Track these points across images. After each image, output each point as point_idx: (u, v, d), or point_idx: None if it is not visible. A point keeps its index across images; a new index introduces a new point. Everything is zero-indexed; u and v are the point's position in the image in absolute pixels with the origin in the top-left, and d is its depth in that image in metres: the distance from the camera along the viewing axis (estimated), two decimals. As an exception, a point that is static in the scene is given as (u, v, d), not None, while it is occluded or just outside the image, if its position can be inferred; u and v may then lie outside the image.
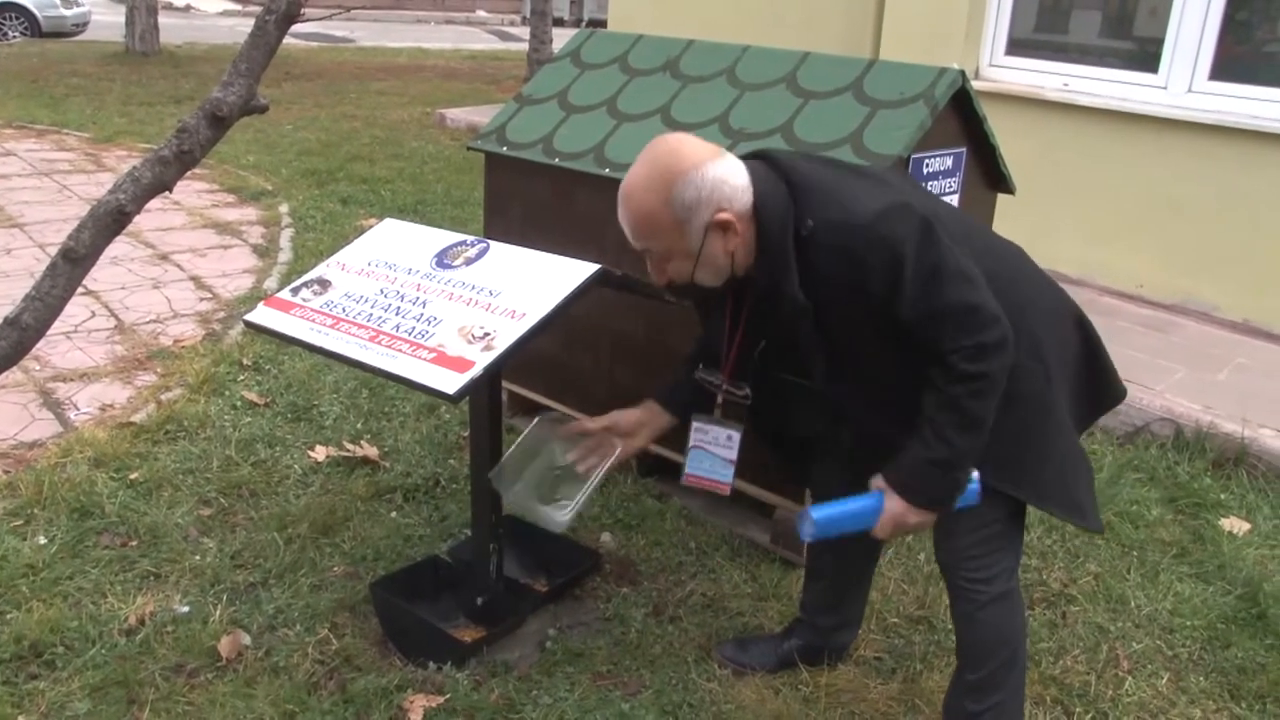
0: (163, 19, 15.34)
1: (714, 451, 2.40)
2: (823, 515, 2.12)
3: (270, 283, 5.51)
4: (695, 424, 2.41)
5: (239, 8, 28.37)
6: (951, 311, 1.95)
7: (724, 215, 2.02)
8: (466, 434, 3.68)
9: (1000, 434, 2.05)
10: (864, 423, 2.29)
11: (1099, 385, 2.33)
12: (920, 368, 2.03)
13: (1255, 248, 5.12)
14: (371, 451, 3.76)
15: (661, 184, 2.03)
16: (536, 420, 2.55)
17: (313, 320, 2.58)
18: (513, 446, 2.54)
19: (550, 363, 3.72)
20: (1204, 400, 4.24)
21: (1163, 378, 4.46)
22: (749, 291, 2.24)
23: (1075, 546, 3.43)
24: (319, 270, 2.81)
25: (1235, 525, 3.60)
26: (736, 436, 2.35)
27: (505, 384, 3.85)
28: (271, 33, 2.18)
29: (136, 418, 3.91)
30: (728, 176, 2.03)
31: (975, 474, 2.07)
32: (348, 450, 3.76)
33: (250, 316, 2.73)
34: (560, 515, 2.42)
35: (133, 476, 3.50)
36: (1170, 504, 3.73)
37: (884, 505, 2.10)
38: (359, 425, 3.99)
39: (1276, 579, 3.27)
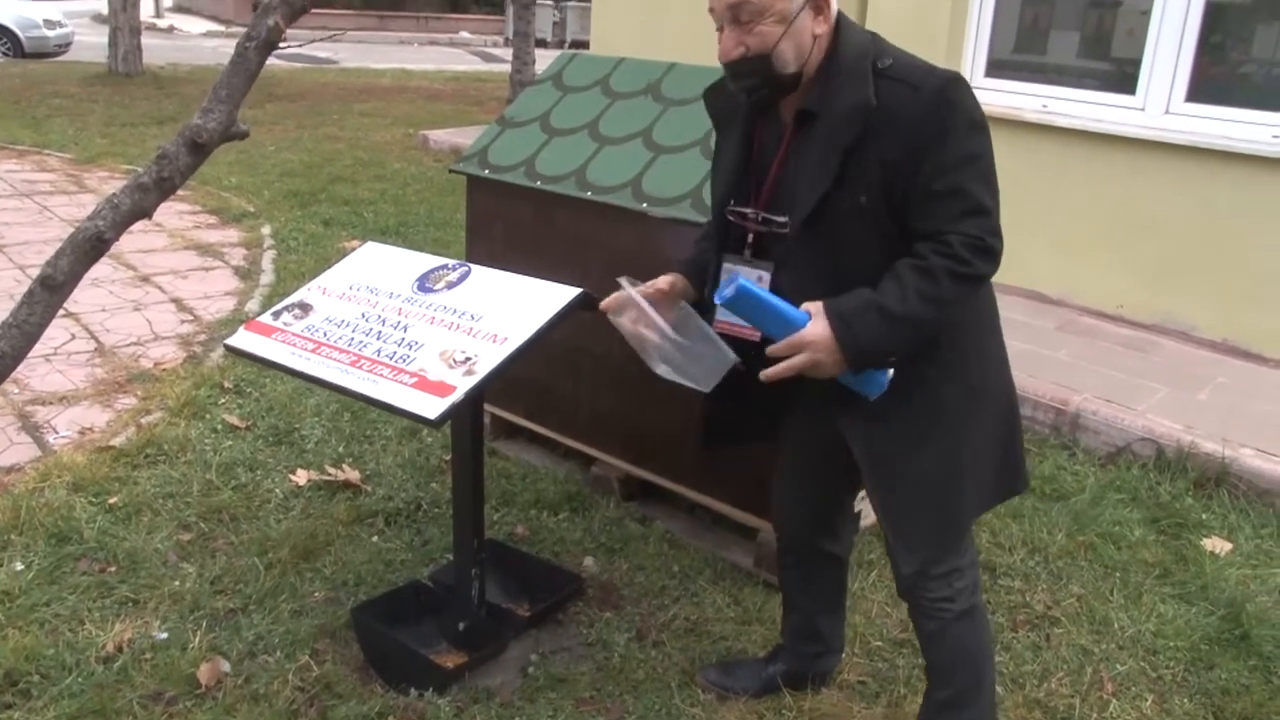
0: (146, 39, 15.33)
1: None
2: (748, 290, 1.98)
3: (252, 305, 5.49)
4: (725, 265, 2.24)
5: (222, 29, 28.38)
6: (970, 201, 1.95)
7: None
8: (449, 457, 3.66)
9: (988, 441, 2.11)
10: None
11: (1015, 464, 2.32)
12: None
13: (1234, 267, 5.16)
14: (353, 475, 3.74)
15: None
16: (625, 285, 2.27)
17: (294, 345, 2.57)
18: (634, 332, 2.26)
19: (532, 385, 3.72)
20: (1185, 420, 4.26)
21: (1144, 398, 4.47)
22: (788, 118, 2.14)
23: (1058, 568, 3.43)
24: (300, 294, 2.80)
25: (1217, 545, 3.61)
26: (767, 277, 2.16)
27: (487, 407, 3.84)
28: (252, 59, 2.17)
29: (116, 441, 3.88)
30: None
31: (890, 372, 2.03)
32: (329, 474, 3.74)
33: (231, 341, 2.72)
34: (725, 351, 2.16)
35: (112, 501, 3.47)
36: (1152, 524, 3.74)
37: (805, 327, 1.98)
38: (341, 448, 3.97)
39: (1259, 599, 3.28)
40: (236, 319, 5.25)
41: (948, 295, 1.95)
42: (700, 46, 7.41)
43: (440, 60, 22.06)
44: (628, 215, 3.24)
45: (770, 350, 2.01)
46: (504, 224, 3.69)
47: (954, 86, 1.96)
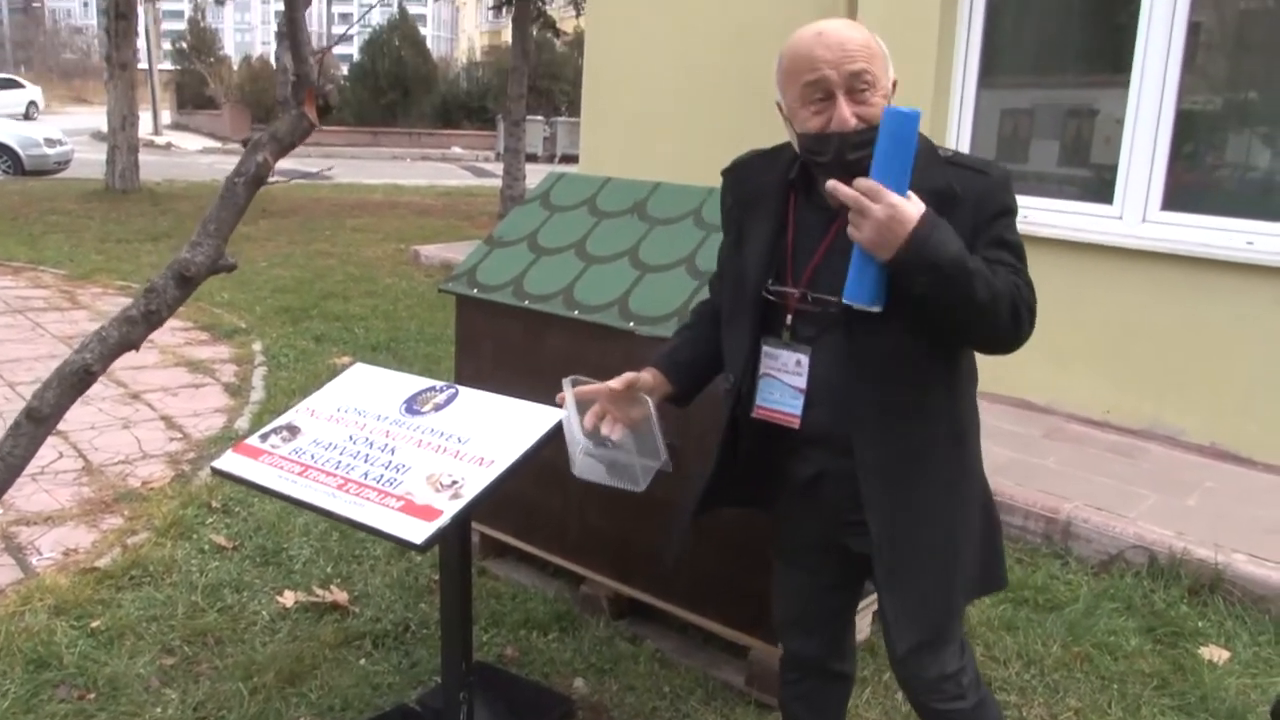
0: (144, 156, 15.61)
1: (784, 379, 2.17)
2: (912, 127, 1.91)
3: (242, 422, 5.49)
4: (765, 349, 2.18)
5: (219, 145, 28.90)
6: (1023, 277, 2.06)
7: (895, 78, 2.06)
8: (438, 577, 3.63)
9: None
10: (864, 431, 2.11)
11: (995, 560, 2.32)
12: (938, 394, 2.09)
13: (1218, 372, 5.20)
14: (341, 596, 3.70)
15: (864, 28, 2.05)
16: (565, 387, 2.31)
17: (281, 467, 2.58)
18: (561, 424, 2.31)
19: (520, 503, 3.71)
20: (1176, 526, 4.25)
21: (1134, 504, 4.47)
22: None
23: (1054, 681, 3.39)
24: (288, 416, 2.81)
25: (1215, 654, 3.57)
26: (805, 360, 2.12)
27: (476, 525, 3.83)
28: (241, 194, 2.23)
29: (101, 563, 3.85)
30: None
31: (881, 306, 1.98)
32: (317, 595, 3.70)
33: (218, 463, 2.72)
34: (653, 460, 2.22)
35: (94, 625, 3.43)
36: (1148, 633, 3.71)
37: (904, 195, 1.90)
38: (329, 569, 3.94)
39: (1260, 709, 3.23)
40: (226, 436, 5.25)
41: (1002, 307, 1.98)
42: (686, 165, 7.60)
43: (432, 175, 22.44)
44: (615, 334, 3.27)
45: (858, 181, 1.91)
46: (493, 343, 3.72)
47: (1011, 178, 2.06)
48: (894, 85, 2.05)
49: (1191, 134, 5.55)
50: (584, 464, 2.23)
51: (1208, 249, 5.20)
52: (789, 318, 2.14)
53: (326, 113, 2.25)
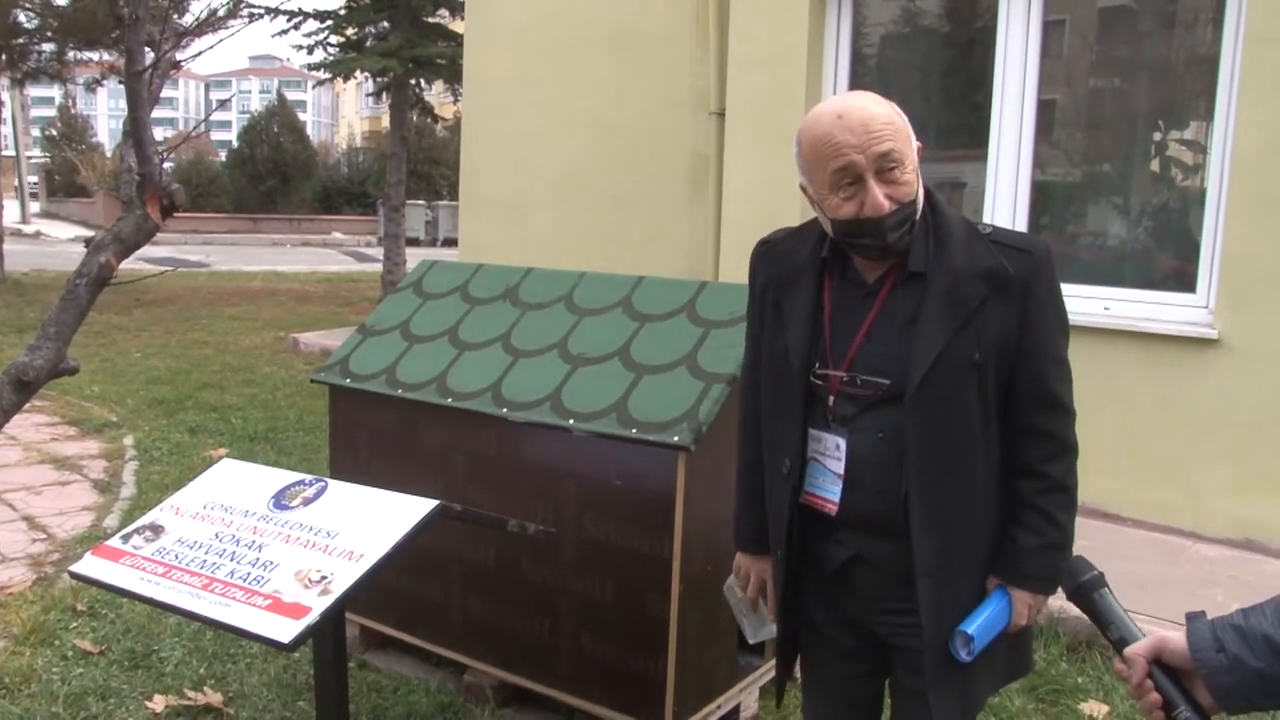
0: (11, 245, 15.17)
1: (826, 464, 2.12)
2: (975, 628, 2.03)
3: (111, 520, 5.31)
4: (811, 433, 2.13)
5: (90, 234, 28.11)
6: (1066, 368, 2.07)
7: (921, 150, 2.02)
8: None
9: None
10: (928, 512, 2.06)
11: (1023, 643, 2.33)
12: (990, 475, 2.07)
13: (1083, 433, 5.34)
14: (215, 698, 3.58)
15: (883, 99, 2.00)
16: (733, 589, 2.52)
17: (143, 569, 2.51)
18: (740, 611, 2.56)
19: (400, 594, 3.65)
20: (1047, 589, 4.37)
21: (1006, 570, 4.58)
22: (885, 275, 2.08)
23: (934, 749, 3.44)
24: (152, 515, 2.74)
25: (1095, 709, 3.66)
26: (843, 444, 2.08)
27: (355, 618, 3.76)
28: (83, 296, 2.19)
29: (-47, 678, 3.66)
30: None
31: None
32: (189, 698, 3.57)
33: (76, 567, 2.63)
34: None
35: (-55, 745, 3.25)
36: (1030, 692, 3.79)
37: (1012, 599, 2.08)
38: (202, 669, 3.80)
39: (1136, 766, 3.33)
40: (93, 535, 5.06)
41: (1075, 490, 2.09)
42: (561, 249, 7.66)
43: (313, 261, 22.20)
44: (488, 420, 3.28)
45: (1015, 626, 2.09)
46: (367, 433, 3.69)
47: (1051, 250, 2.06)
48: (919, 151, 2.02)
49: (1048, 205, 5.83)
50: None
51: (1071, 316, 5.43)
52: (831, 400, 2.09)
53: (172, 212, 2.23)
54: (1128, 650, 1.52)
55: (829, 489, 2.10)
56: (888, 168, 1.92)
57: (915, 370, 1.97)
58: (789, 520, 2.15)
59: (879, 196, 1.92)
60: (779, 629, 2.30)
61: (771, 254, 2.22)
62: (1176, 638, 1.46)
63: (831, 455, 2.09)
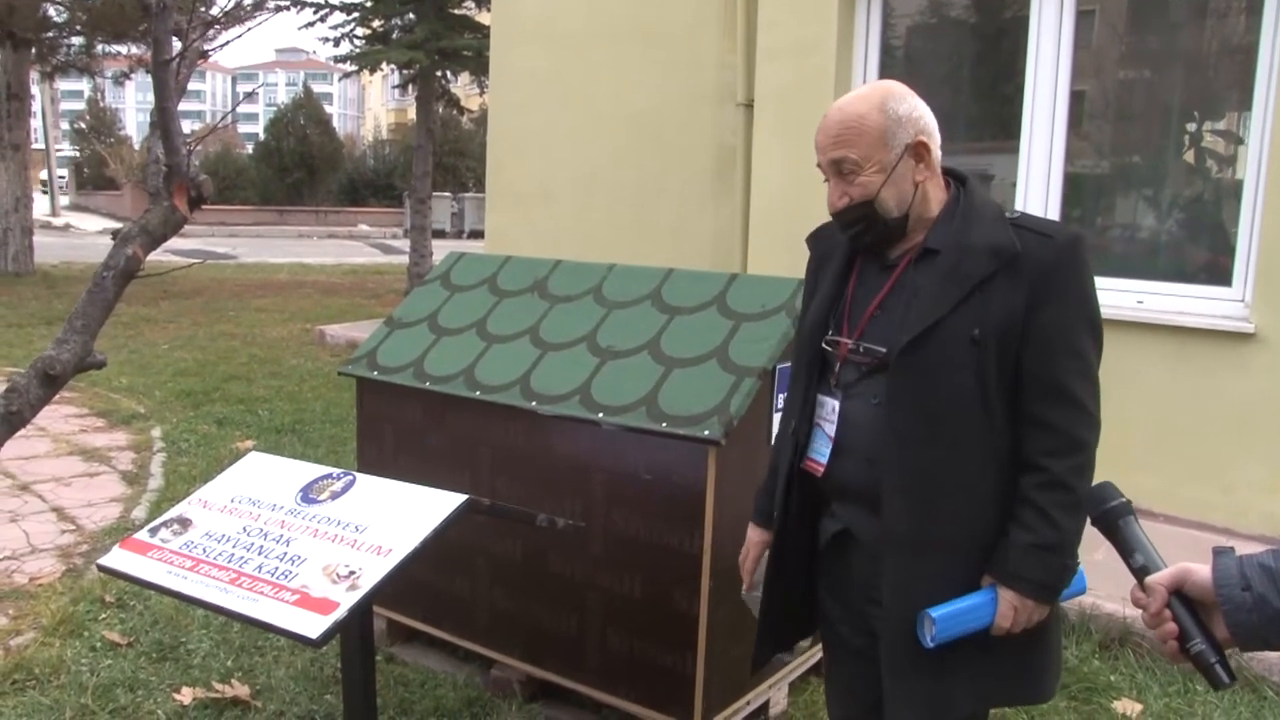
0: (42, 238, 15.29)
1: (824, 429, 2.18)
2: (942, 614, 1.95)
3: (139, 511, 5.32)
4: (818, 398, 2.20)
5: (117, 226, 28.33)
6: (1084, 364, 2.01)
7: (924, 139, 2.05)
8: (341, 666, 3.53)
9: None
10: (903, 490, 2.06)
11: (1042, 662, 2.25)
12: (995, 464, 2.02)
13: (1113, 427, 5.14)
14: (242, 691, 3.57)
15: (878, 96, 2.06)
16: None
17: (171, 563, 2.50)
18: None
19: (428, 588, 3.64)
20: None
21: (1038, 567, 4.53)
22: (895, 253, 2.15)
23: (965, 748, 3.40)
24: (180, 509, 2.73)
25: (1128, 707, 3.62)
26: (838, 407, 2.14)
27: (383, 611, 3.75)
28: (110, 289, 2.18)
29: (-18, 669, 3.67)
30: (934, 124, 2.10)
31: (1080, 564, 2.01)
32: (216, 690, 3.57)
33: (104, 560, 2.63)
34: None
35: (-26, 736, 3.26)
36: (1063, 690, 3.74)
37: (998, 599, 1.98)
38: (229, 662, 3.80)
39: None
40: (121, 527, 5.08)
41: (1083, 493, 1.95)
42: (587, 241, 7.64)
43: (339, 253, 22.27)
44: (516, 414, 3.26)
45: (996, 630, 2.00)
46: (394, 425, 3.68)
47: (1082, 241, 2.03)
48: (920, 147, 2.06)
49: (1080, 197, 5.75)
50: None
51: (1103, 309, 5.37)
52: (838, 366, 2.16)
53: (199, 205, 2.22)
54: (1149, 579, 1.48)
55: (821, 451, 2.17)
56: (845, 171, 2.06)
57: (903, 336, 2.02)
58: (787, 482, 2.22)
59: (833, 195, 2.09)
60: (763, 599, 2.32)
61: (819, 235, 2.34)
62: (1200, 569, 1.43)
63: (828, 419, 2.17)
